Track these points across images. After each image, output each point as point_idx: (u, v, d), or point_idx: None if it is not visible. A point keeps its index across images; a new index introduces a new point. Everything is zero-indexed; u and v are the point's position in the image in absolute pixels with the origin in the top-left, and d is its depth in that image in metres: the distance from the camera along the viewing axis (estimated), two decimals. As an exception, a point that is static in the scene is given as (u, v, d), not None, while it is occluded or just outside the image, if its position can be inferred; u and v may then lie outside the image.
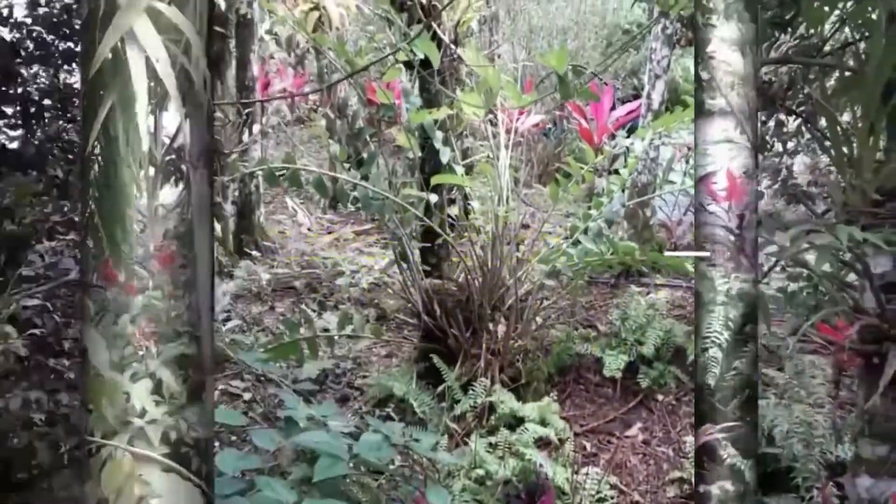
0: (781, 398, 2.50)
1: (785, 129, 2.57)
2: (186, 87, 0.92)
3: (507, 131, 3.33)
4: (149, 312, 0.90)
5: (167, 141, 0.91)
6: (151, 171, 0.91)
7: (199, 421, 0.90)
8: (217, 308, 3.79)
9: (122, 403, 0.89)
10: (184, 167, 0.92)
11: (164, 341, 0.90)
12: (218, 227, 4.46)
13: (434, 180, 3.18)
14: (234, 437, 2.77)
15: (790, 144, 2.68)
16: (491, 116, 3.33)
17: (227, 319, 3.77)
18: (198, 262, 0.92)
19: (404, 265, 3.26)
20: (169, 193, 0.91)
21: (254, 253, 4.80)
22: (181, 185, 0.91)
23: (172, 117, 0.91)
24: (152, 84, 0.90)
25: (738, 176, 1.31)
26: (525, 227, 4.27)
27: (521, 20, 8.10)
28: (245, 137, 4.63)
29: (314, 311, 4.04)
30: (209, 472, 0.91)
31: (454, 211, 3.81)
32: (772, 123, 2.55)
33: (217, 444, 2.72)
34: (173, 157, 0.91)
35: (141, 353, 0.90)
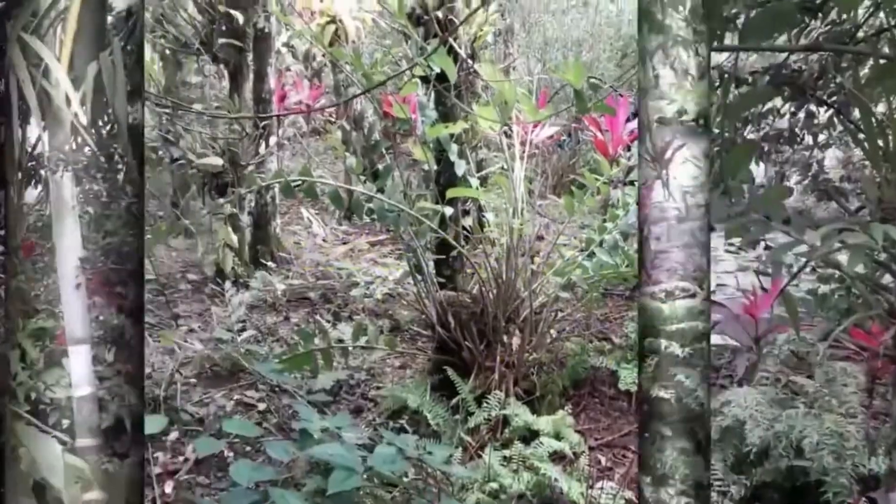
0: (811, 407, 2.37)
1: (815, 121, 2.46)
2: (46, 104, 1.13)
3: (522, 143, 3.34)
4: (18, 293, 1.16)
5: (30, 149, 1.15)
6: (20, 174, 1.16)
7: (58, 383, 1.14)
8: (233, 318, 3.81)
9: (5, 369, 1.16)
10: (42, 172, 1.14)
11: (26, 317, 1.15)
12: (234, 238, 4.50)
13: (449, 193, 3.19)
14: (248, 448, 2.78)
15: (821, 137, 2.58)
16: (506, 128, 3.34)
17: (243, 330, 3.79)
18: (58, 252, 1.15)
19: (419, 277, 3.27)
20: (32, 194, 1.15)
21: (269, 264, 4.83)
22: (40, 187, 1.15)
23: (34, 129, 1.14)
24: (20, 102, 1.14)
25: (641, 186, 1.29)
26: (540, 238, 4.27)
27: (535, 32, 8.13)
28: (262, 149, 4.67)
29: (329, 321, 4.05)
30: (72, 424, 1.16)
31: (468, 222, 3.82)
32: (801, 115, 2.44)
33: (231, 454, 2.73)
34: (34, 163, 1.15)
35: (13, 326, 1.16)
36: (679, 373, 1.23)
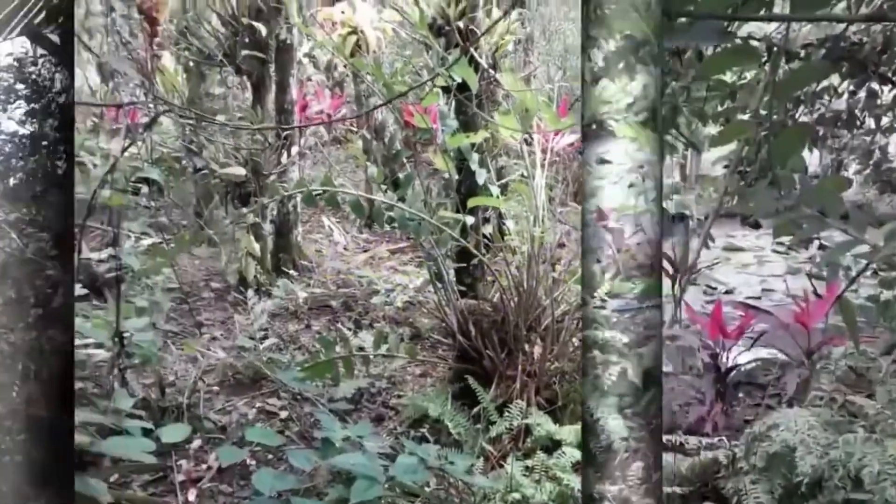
0: (872, 432, 2.08)
1: (878, 102, 2.14)
2: None
3: (543, 151, 3.33)
4: None
5: None
6: None
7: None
8: (255, 326, 3.84)
9: None
10: None
11: None
12: (257, 246, 4.54)
13: (471, 203, 3.20)
14: (270, 456, 2.79)
15: (884, 120, 2.26)
16: (526, 136, 3.34)
17: (265, 338, 3.82)
18: None
19: (439, 285, 3.27)
20: None
21: (291, 272, 4.87)
22: None
23: None
24: None
25: None
26: (561, 246, 4.25)
27: (556, 40, 8.13)
28: (284, 159, 4.72)
29: (350, 329, 4.07)
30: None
31: (488, 230, 3.81)
32: (862, 94, 2.13)
33: (254, 462, 2.75)
34: None
35: None
36: (579, 381, 1.22)
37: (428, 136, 3.09)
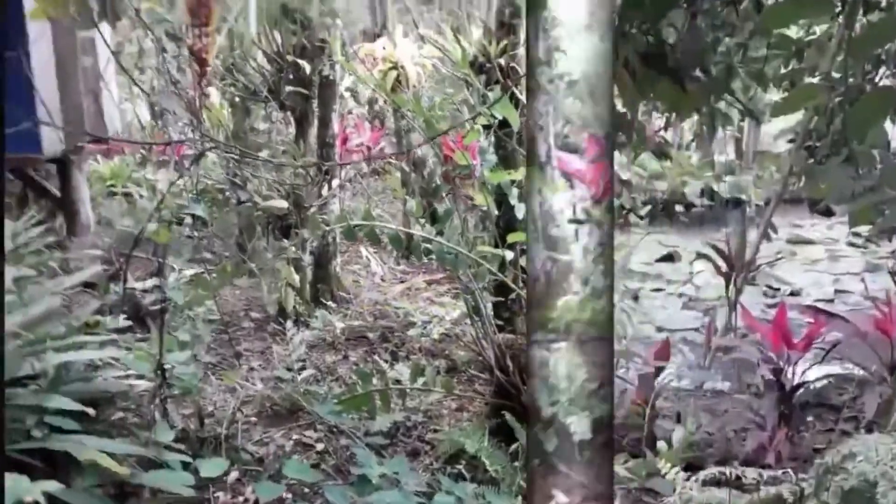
0: None
1: None
2: None
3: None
4: None
5: None
6: None
7: None
8: (293, 357, 3.86)
9: None
10: None
11: None
12: (296, 277, 4.59)
13: (510, 238, 3.19)
14: (307, 490, 2.78)
15: None
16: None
17: (303, 368, 3.84)
18: None
19: (476, 318, 3.26)
20: None
21: (329, 303, 4.91)
22: None
23: None
24: None
25: None
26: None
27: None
28: (325, 191, 4.80)
29: (386, 361, 4.07)
30: None
31: (524, 262, 3.79)
32: None
33: (290, 496, 2.74)
34: None
35: None
36: None
37: (467, 171, 3.11)
